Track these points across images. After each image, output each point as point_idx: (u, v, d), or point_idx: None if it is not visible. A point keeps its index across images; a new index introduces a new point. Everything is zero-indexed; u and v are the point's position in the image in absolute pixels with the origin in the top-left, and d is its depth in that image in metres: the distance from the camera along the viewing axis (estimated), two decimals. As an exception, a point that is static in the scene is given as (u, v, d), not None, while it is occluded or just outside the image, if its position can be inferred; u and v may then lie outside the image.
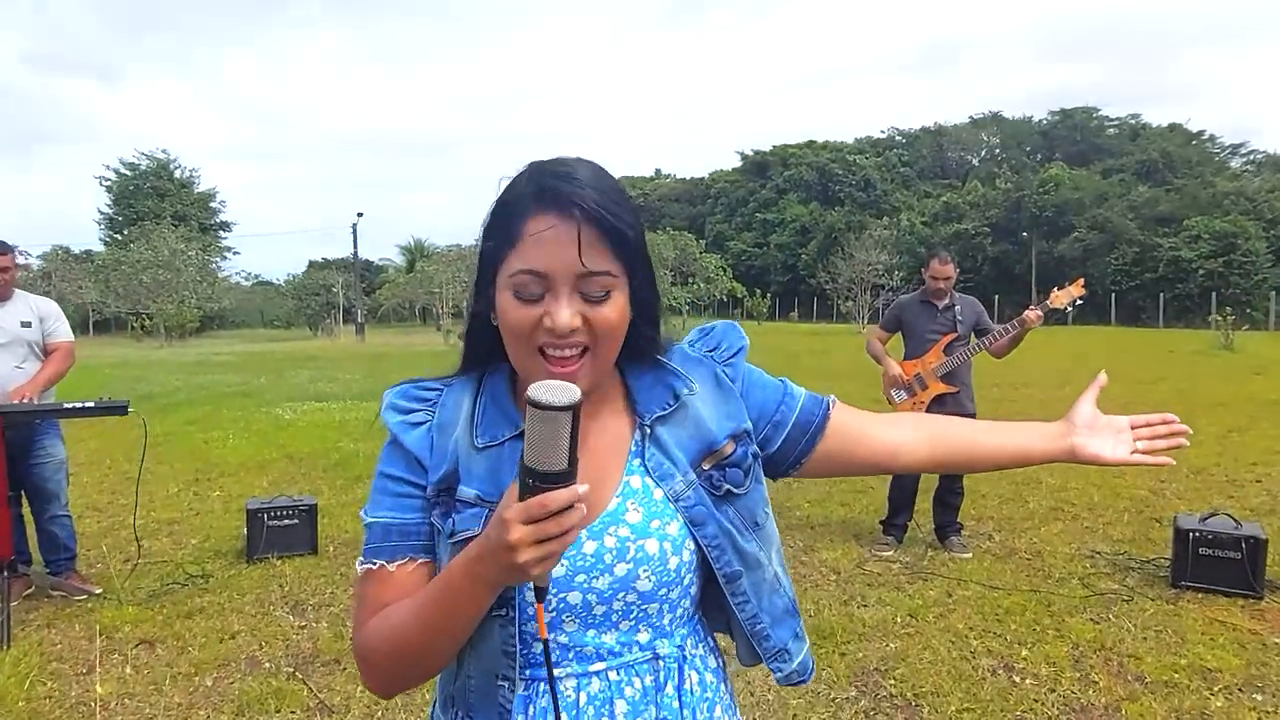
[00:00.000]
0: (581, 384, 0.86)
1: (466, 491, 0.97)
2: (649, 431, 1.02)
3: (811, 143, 73.67)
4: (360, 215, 46.68)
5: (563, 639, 0.96)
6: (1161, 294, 36.63)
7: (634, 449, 1.02)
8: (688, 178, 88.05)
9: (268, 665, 3.60)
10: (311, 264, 62.12)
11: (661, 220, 73.61)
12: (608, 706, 0.97)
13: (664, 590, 0.98)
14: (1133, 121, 58.57)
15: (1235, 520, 4.41)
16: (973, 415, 4.97)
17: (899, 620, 4.00)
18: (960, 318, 4.98)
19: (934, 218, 54.53)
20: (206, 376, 17.69)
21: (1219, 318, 22.68)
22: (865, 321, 36.97)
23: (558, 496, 0.78)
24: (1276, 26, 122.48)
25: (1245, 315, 25.02)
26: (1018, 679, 3.39)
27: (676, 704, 1.00)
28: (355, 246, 44.91)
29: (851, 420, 1.14)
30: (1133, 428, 1.13)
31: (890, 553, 5.00)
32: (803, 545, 5.19)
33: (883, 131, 73.61)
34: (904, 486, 5.11)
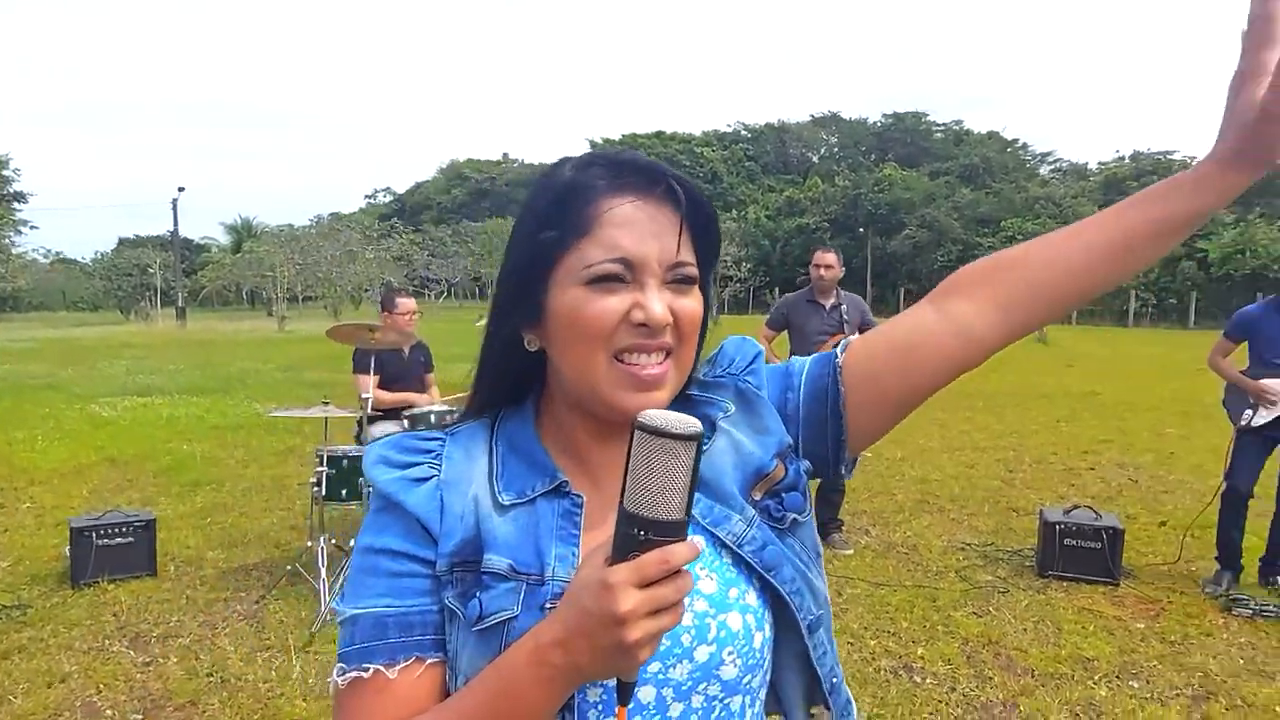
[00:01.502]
0: (664, 396, 0.77)
1: (497, 562, 0.75)
2: (705, 484, 0.81)
3: (660, 133, 74.64)
4: (181, 190, 43.25)
5: None
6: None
7: None
8: (538, 163, 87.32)
9: (110, 713, 3.13)
10: (123, 241, 57.00)
11: (509, 206, 72.63)
12: None
13: (749, 677, 0.78)
14: (957, 127, 62.90)
15: (1096, 512, 4.68)
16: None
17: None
18: (846, 317, 5.02)
19: (778, 211, 56.55)
20: (2, 366, 15.76)
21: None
22: (716, 313, 37.92)
23: (679, 552, 0.62)
24: (1074, 48, 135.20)
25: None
26: (918, 679, 3.42)
27: None
28: (175, 224, 41.56)
29: (872, 342, 0.86)
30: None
31: (775, 551, 4.99)
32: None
33: (729, 126, 75.53)
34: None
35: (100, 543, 4.35)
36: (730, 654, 0.76)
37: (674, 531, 0.62)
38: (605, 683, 0.73)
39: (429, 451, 0.82)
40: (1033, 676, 3.46)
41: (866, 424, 0.85)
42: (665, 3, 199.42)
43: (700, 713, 0.76)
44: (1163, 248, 0.77)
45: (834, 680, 0.85)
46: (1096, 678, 3.45)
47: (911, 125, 63.34)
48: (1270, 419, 4.29)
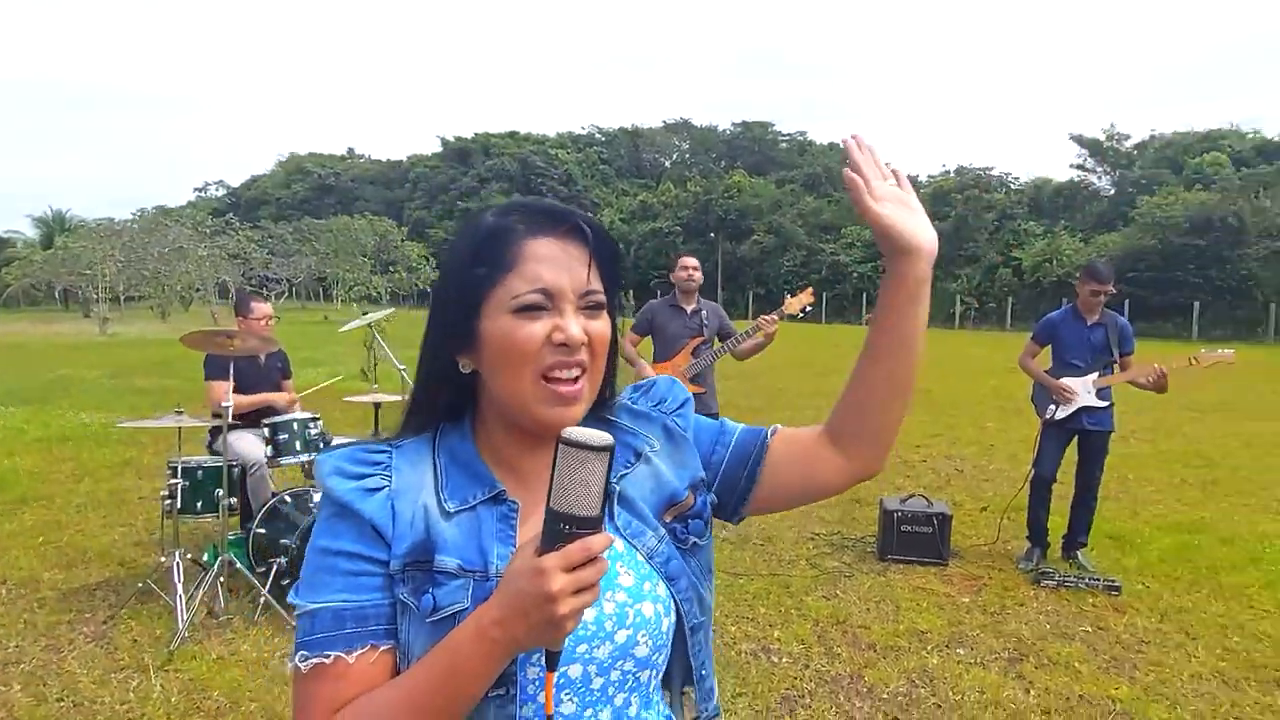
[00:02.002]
0: (581, 409, 0.89)
1: (447, 562, 0.86)
2: (617, 492, 0.96)
3: (514, 133, 74.12)
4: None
5: None
6: (824, 293, 41.64)
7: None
8: (384, 160, 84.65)
9: (-55, 749, 2.93)
10: (-89, 234, 50.84)
11: (355, 203, 70.02)
12: None
13: (656, 655, 0.93)
14: (801, 138, 66.00)
15: (928, 500, 5.16)
16: (716, 414, 5.29)
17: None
18: (706, 322, 5.29)
19: (631, 215, 57.37)
20: None
21: (871, 316, 26.35)
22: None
23: (597, 541, 0.75)
24: (907, 67, 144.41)
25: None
26: (775, 659, 3.70)
27: None
28: (-24, 216, 37.49)
29: (795, 443, 1.03)
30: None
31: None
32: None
33: (583, 128, 76.01)
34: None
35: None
36: (643, 636, 0.90)
37: (592, 525, 0.75)
38: (540, 661, 0.85)
39: (379, 464, 0.91)
40: (875, 650, 3.80)
41: (766, 499, 1.03)
42: (518, 2, 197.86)
43: (616, 684, 0.90)
44: (908, 346, 0.96)
45: (703, 673, 1.00)
46: (929, 648, 3.84)
47: (759, 134, 65.86)
48: (1070, 413, 4.88)
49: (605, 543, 0.76)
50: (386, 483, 0.90)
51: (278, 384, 5.12)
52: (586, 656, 0.88)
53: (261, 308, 4.95)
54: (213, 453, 4.75)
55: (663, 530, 0.96)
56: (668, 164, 72.11)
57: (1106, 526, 5.56)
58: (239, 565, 4.06)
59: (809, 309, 5.09)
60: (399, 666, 0.86)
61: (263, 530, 4.29)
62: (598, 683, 0.89)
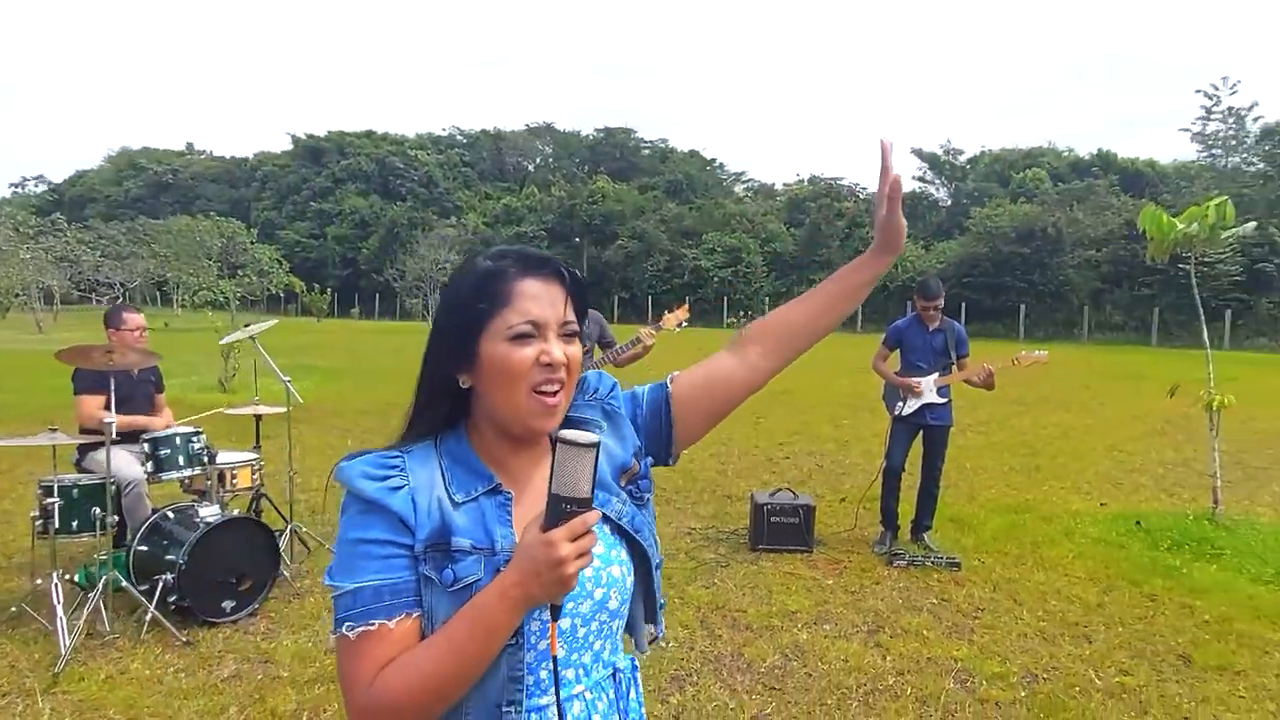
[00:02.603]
0: (560, 417, 1.11)
1: (461, 543, 1.07)
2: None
3: (371, 133, 71.91)
4: None
5: (550, 666, 1.11)
6: (688, 298, 42.71)
7: None
8: (228, 156, 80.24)
9: None
10: None
11: (196, 202, 66.04)
12: (598, 715, 1.15)
13: (622, 607, 1.18)
14: (662, 145, 67.26)
15: (793, 493, 5.61)
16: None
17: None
18: (587, 332, 5.53)
19: (495, 219, 56.85)
20: None
21: (734, 320, 27.38)
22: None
23: (591, 516, 0.98)
24: (761, 78, 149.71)
25: (750, 317, 30.59)
26: (664, 645, 3.99)
27: (635, 708, 1.21)
28: None
29: (692, 377, 1.28)
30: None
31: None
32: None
33: (444, 129, 74.63)
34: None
35: None
36: (614, 593, 1.15)
37: (586, 505, 0.98)
38: (541, 615, 1.07)
39: (396, 466, 1.11)
40: (752, 630, 4.17)
41: (686, 432, 1.28)
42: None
43: (595, 632, 1.14)
44: (855, 301, 1.29)
45: (662, 602, 1.27)
46: (799, 625, 4.24)
47: (621, 140, 66.65)
48: (915, 408, 5.44)
49: (596, 517, 0.99)
50: (405, 482, 1.09)
51: (151, 398, 5.00)
52: (573, 611, 1.11)
53: (134, 319, 4.82)
54: (81, 470, 4.61)
55: (623, 494, 1.21)
56: (531, 168, 71.88)
57: (948, 511, 6.19)
58: (125, 583, 3.98)
59: (685, 323, 5.41)
60: (424, 630, 1.07)
61: (144, 548, 4.21)
62: (581, 632, 1.13)
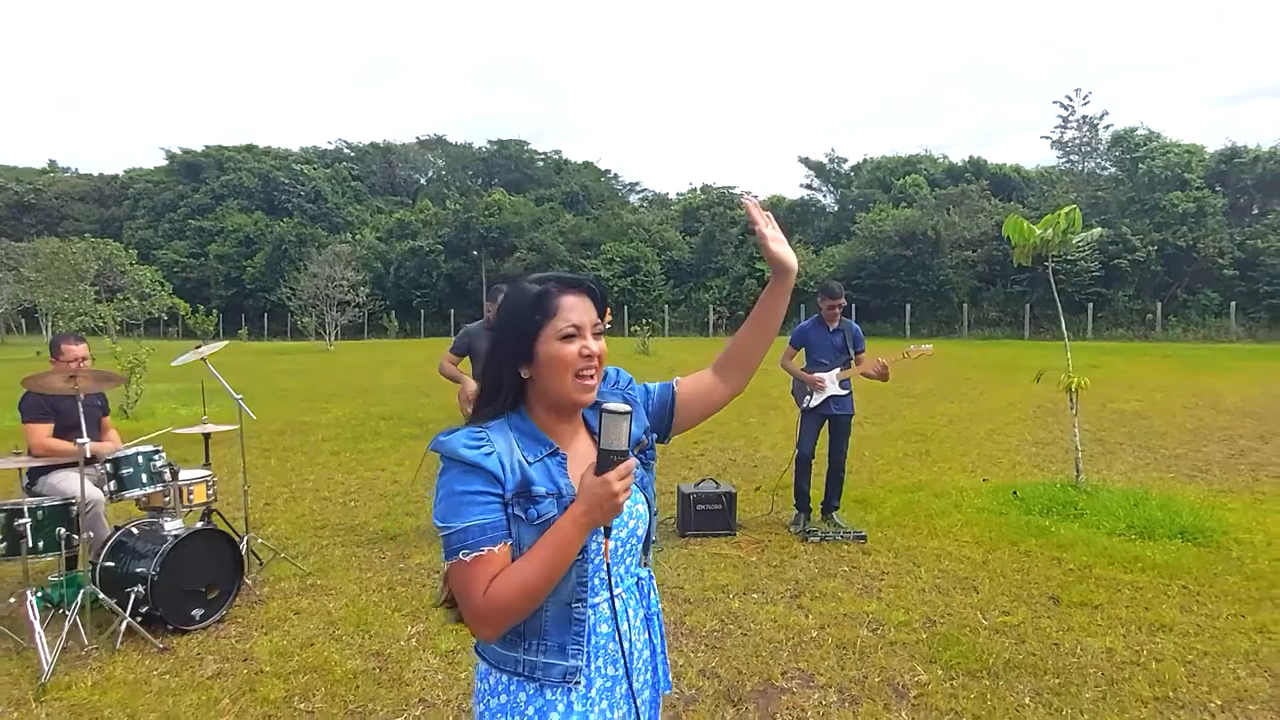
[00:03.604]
0: (595, 393, 1.55)
1: (539, 490, 1.49)
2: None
3: (252, 147, 69.47)
4: None
5: (603, 574, 1.56)
6: (609, 305, 43.19)
7: None
8: (96, 174, 75.96)
9: None
10: None
11: (62, 223, 62.36)
12: (626, 613, 1.60)
13: (645, 532, 1.64)
14: (556, 156, 67.57)
15: (716, 482, 6.15)
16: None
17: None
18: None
19: (389, 234, 55.86)
20: None
21: (636, 328, 27.99)
22: (335, 338, 36.53)
23: (631, 463, 1.44)
24: (651, 89, 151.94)
25: (650, 324, 31.25)
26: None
27: (652, 602, 1.68)
28: None
29: (691, 385, 1.73)
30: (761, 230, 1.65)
31: (473, 547, 5.73)
32: (395, 554, 5.64)
33: (330, 143, 72.94)
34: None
35: None
36: (641, 523, 1.60)
37: (625, 455, 1.43)
38: (596, 537, 1.50)
39: (484, 438, 1.51)
40: (690, 602, 4.66)
41: (680, 424, 1.75)
42: (249, 6, 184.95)
43: (627, 552, 1.59)
44: (779, 317, 1.73)
45: (654, 539, 1.72)
46: (731, 595, 4.76)
47: (515, 152, 66.60)
48: (821, 400, 6.07)
49: (634, 464, 1.44)
50: (492, 449, 1.51)
51: (98, 421, 5.11)
52: (615, 536, 1.55)
53: (73, 349, 4.90)
54: (31, 494, 4.71)
55: (636, 460, 1.67)
56: (423, 181, 70.88)
57: (852, 493, 6.85)
58: (101, 595, 4.16)
59: (609, 324, 5.85)
60: (513, 555, 1.50)
61: (110, 563, 4.37)
62: (620, 552, 1.58)
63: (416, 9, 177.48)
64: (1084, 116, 39.19)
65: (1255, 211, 36.04)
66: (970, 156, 46.18)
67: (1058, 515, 6.13)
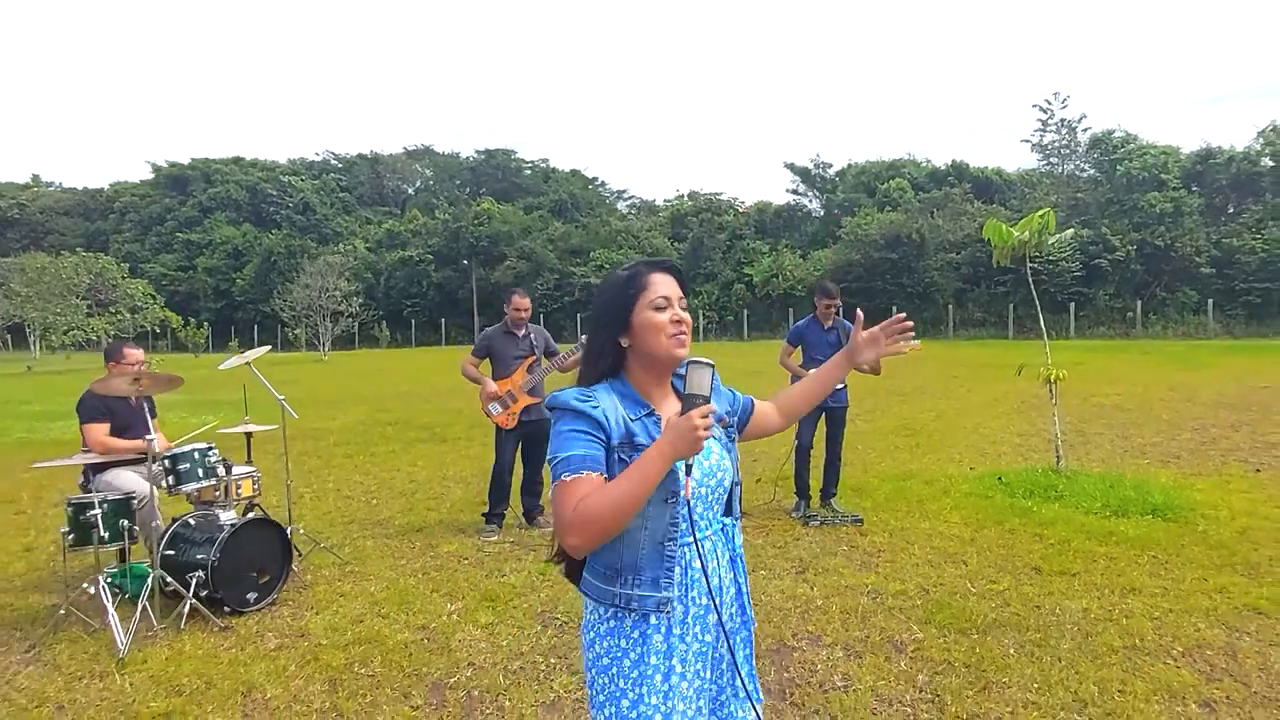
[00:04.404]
0: (687, 350, 1.85)
1: (642, 441, 1.84)
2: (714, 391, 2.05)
3: (239, 159, 69.70)
4: None
5: (694, 517, 1.90)
6: (578, 314, 43.61)
7: None
8: (80, 188, 75.90)
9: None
10: None
11: (47, 238, 62.32)
12: (714, 553, 1.95)
13: (730, 485, 1.99)
14: (544, 165, 67.98)
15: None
16: (549, 420, 6.36)
17: (535, 579, 5.18)
18: (535, 344, 6.34)
19: (379, 244, 56.13)
20: None
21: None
22: (328, 348, 36.80)
23: (711, 405, 1.79)
24: (635, 98, 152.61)
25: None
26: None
27: (736, 545, 2.07)
28: None
29: (762, 407, 2.15)
30: (883, 330, 2.10)
31: (495, 537, 6.13)
32: (424, 544, 6.02)
33: (318, 154, 73.12)
34: (502, 483, 6.28)
35: None
36: (727, 477, 1.94)
37: (706, 400, 1.79)
38: (678, 478, 1.83)
39: (593, 396, 1.86)
40: (704, 580, 5.06)
41: (748, 432, 2.16)
42: (232, 14, 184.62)
43: (715, 500, 1.91)
44: (828, 390, 2.26)
45: (738, 500, 2.09)
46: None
47: (502, 161, 66.95)
48: (818, 395, 6.49)
49: (713, 408, 1.79)
50: (599, 404, 1.85)
51: (148, 423, 5.47)
52: (703, 482, 1.87)
53: (133, 354, 5.31)
54: (87, 491, 5.07)
55: (719, 431, 2.01)
56: (411, 191, 71.22)
57: (848, 482, 7.28)
58: (170, 579, 4.53)
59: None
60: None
61: (170, 552, 4.75)
62: (710, 499, 1.91)
63: (399, 19, 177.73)
64: (1063, 120, 40.06)
65: (1231, 211, 36.91)
66: (953, 160, 46.93)
67: (1039, 497, 6.58)
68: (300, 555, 5.68)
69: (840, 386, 6.56)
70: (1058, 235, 7.16)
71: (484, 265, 49.88)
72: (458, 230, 50.84)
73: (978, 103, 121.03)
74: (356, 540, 6.17)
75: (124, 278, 41.76)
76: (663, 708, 1.78)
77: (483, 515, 6.40)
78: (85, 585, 4.53)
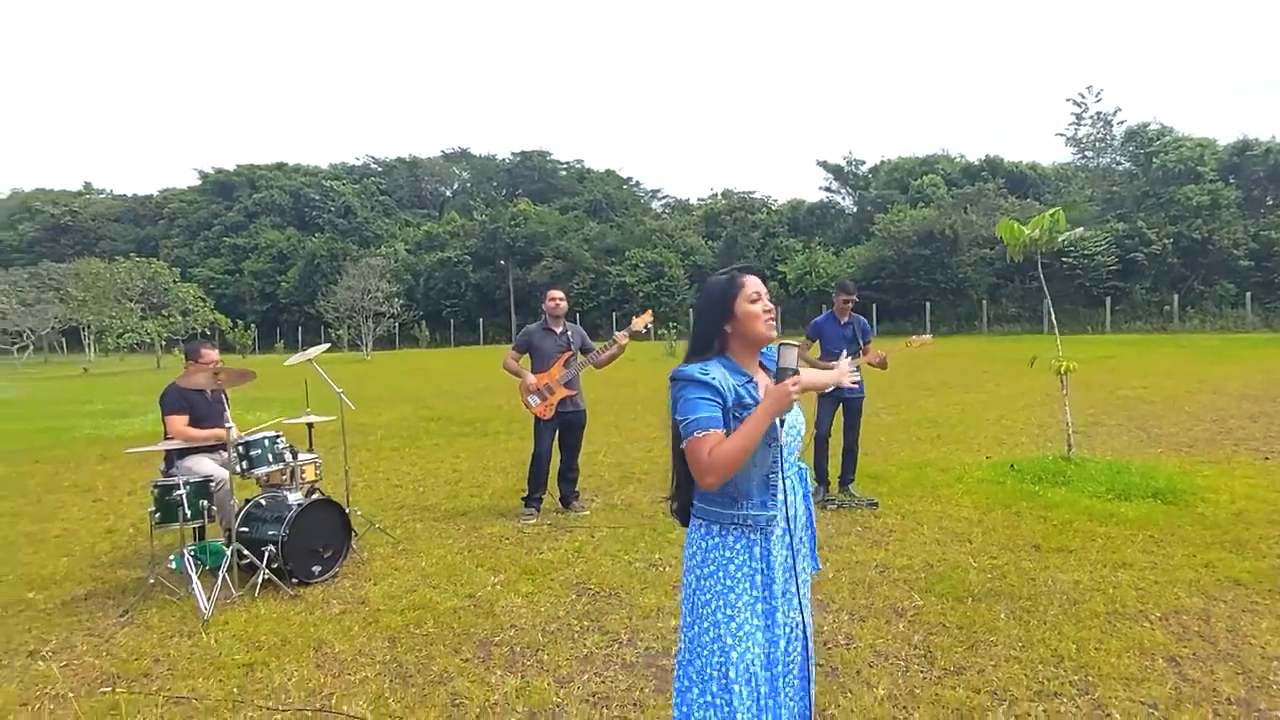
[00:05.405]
0: (774, 333, 2.44)
1: (749, 402, 2.34)
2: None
3: (283, 165, 71.30)
4: None
5: (784, 457, 2.39)
6: (614, 313, 44.17)
7: None
8: (130, 195, 78.19)
9: (70, 695, 3.86)
10: None
11: (99, 243, 64.35)
12: (793, 489, 2.47)
13: (801, 441, 2.51)
14: (579, 166, 68.69)
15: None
16: (584, 411, 6.86)
17: (571, 555, 5.66)
18: (572, 340, 6.82)
19: (418, 246, 57.19)
20: None
21: (663, 331, 28.88)
22: (370, 348, 37.78)
23: (798, 376, 2.28)
24: (669, 97, 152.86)
25: (676, 328, 32.11)
26: (657, 569, 5.29)
27: (807, 485, 2.57)
28: None
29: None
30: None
31: (534, 520, 6.62)
32: (469, 526, 6.54)
33: (358, 159, 74.49)
34: (540, 470, 6.77)
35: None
36: (803, 429, 2.50)
37: (796, 372, 2.29)
38: (774, 433, 2.33)
39: (706, 368, 2.37)
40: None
41: None
42: (274, 24, 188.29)
43: (794, 444, 2.45)
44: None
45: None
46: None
47: (538, 163, 67.75)
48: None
49: (799, 378, 2.28)
50: (713, 374, 2.36)
51: (222, 414, 6.05)
52: (790, 434, 2.40)
53: (210, 353, 5.88)
54: (168, 475, 5.65)
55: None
56: (449, 193, 72.36)
57: (867, 470, 7.66)
58: (246, 552, 5.09)
59: (649, 326, 6.72)
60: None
61: (244, 529, 5.30)
62: (791, 445, 2.43)
63: (434, 23, 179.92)
64: (1098, 113, 39.68)
65: (1269, 203, 36.31)
66: (986, 155, 46.70)
67: (1047, 482, 6.91)
68: (357, 535, 6.22)
69: (858, 379, 6.92)
70: (1068, 233, 7.47)
71: (521, 265, 50.66)
72: (495, 231, 51.68)
73: (1011, 97, 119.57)
74: (407, 522, 6.71)
75: (175, 282, 43.16)
76: (745, 595, 2.36)
77: (522, 500, 6.89)
78: (170, 558, 5.09)
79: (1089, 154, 41.18)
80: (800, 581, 2.44)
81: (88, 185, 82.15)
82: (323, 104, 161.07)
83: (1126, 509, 6.10)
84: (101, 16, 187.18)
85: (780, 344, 2.30)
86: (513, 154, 69.49)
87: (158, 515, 5.14)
